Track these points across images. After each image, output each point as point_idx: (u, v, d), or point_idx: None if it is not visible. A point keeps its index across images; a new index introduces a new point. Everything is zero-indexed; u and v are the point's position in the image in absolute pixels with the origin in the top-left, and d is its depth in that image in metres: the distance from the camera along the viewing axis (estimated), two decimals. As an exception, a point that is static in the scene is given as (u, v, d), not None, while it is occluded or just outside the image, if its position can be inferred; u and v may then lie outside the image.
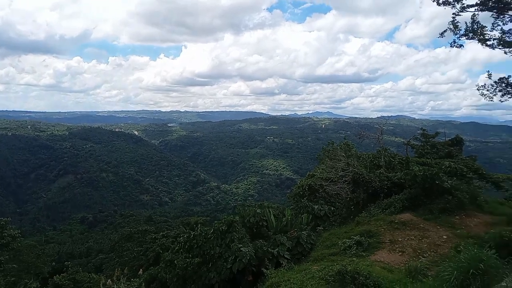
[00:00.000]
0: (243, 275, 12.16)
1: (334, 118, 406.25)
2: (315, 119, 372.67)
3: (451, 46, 14.61)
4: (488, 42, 13.34)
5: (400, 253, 10.91)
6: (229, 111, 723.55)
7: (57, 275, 24.57)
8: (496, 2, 12.38)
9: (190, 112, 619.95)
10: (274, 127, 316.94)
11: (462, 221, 13.13)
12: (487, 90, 14.33)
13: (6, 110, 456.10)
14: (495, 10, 12.72)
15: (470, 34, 13.44)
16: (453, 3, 13.05)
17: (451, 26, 13.60)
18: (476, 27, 13.25)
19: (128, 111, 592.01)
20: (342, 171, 17.75)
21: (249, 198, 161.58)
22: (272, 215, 15.29)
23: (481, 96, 14.65)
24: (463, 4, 12.91)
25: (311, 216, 16.52)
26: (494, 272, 5.59)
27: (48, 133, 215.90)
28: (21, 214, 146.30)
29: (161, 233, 33.17)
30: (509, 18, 12.77)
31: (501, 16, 12.84)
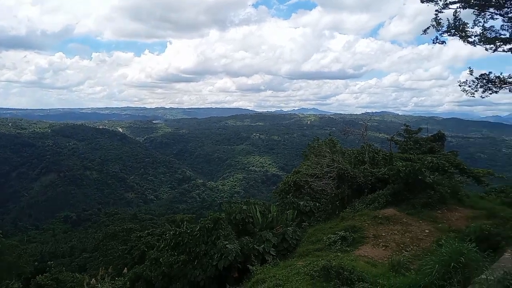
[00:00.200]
0: (229, 272, 12.15)
1: (319, 115, 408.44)
2: (300, 115, 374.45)
3: (433, 43, 14.78)
4: (470, 39, 13.53)
5: (383, 248, 11.05)
6: (215, 107, 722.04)
7: (40, 275, 24.14)
8: (477, 0, 12.57)
9: (175, 108, 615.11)
10: (260, 123, 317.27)
11: (444, 215, 13.38)
12: (469, 86, 14.54)
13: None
14: (476, 7, 12.91)
15: (452, 31, 13.61)
16: (436, 0, 13.21)
17: (434, 23, 13.76)
18: (458, 23, 13.42)
19: (112, 107, 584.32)
20: (327, 167, 17.85)
21: (235, 195, 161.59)
22: (258, 211, 15.31)
23: (463, 92, 14.87)
24: (446, 1, 13.06)
25: (296, 212, 16.61)
26: (475, 265, 5.70)
27: (30, 130, 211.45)
28: (2, 213, 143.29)
29: (146, 231, 32.94)
30: (490, 16, 12.98)
31: (483, 13, 13.03)
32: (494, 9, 12.80)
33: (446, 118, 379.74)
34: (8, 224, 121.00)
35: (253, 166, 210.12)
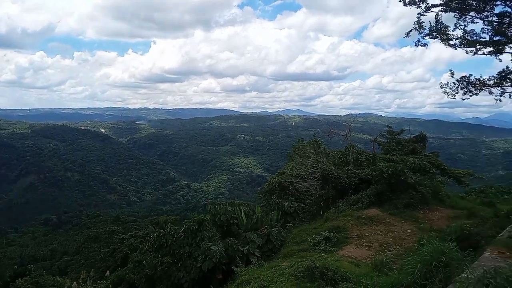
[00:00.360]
0: (213, 274, 12.07)
1: (304, 116, 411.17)
2: (285, 116, 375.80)
3: (415, 45, 15.02)
4: (451, 42, 13.81)
5: (367, 248, 11.15)
6: (200, 108, 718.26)
7: (19, 278, 23.58)
8: (459, 3, 12.82)
9: (159, 109, 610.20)
10: (245, 124, 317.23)
11: (426, 215, 13.59)
12: (450, 88, 14.83)
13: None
14: (457, 11, 13.17)
15: (434, 34, 13.87)
16: (418, 3, 13.41)
17: (417, 26, 13.98)
18: (439, 26, 13.67)
19: (94, 108, 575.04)
20: (312, 168, 17.93)
21: (220, 196, 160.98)
22: (242, 212, 15.26)
23: (444, 94, 15.14)
24: (428, 4, 13.29)
25: (281, 213, 16.63)
26: (456, 264, 5.79)
27: (9, 131, 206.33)
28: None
29: (129, 233, 32.51)
30: (471, 19, 13.27)
31: (463, 17, 13.32)
32: (475, 13, 13.09)
33: (428, 120, 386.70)
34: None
35: (238, 167, 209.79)
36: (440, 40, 14.04)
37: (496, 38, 13.26)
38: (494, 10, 12.93)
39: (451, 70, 15.01)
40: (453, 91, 14.77)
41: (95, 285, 18.42)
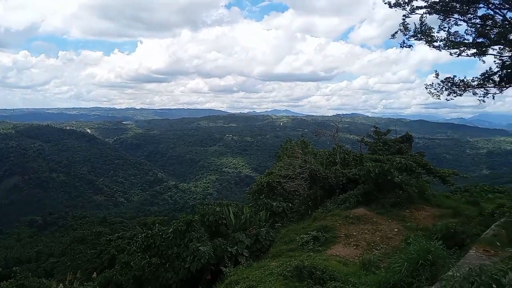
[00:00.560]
0: (202, 274, 12.04)
1: (292, 116, 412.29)
2: (273, 117, 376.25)
3: (401, 46, 15.21)
4: (435, 44, 14.03)
5: (354, 247, 11.25)
6: (187, 108, 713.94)
7: (4, 281, 23.10)
8: (443, 6, 13.02)
9: (146, 109, 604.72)
10: (233, 124, 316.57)
11: (412, 214, 13.78)
12: (435, 89, 15.05)
13: None
14: (442, 13, 13.39)
15: (419, 35, 14.06)
16: (403, 5, 13.58)
17: (402, 27, 14.17)
18: (424, 28, 13.88)
19: (80, 108, 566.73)
20: (300, 168, 18.02)
21: (208, 197, 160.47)
22: (231, 213, 15.25)
23: (429, 95, 15.35)
24: (413, 6, 13.48)
25: (269, 213, 16.66)
26: (442, 262, 5.88)
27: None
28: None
29: (116, 234, 32.19)
30: (454, 21, 13.50)
31: (447, 19, 13.55)
32: (458, 15, 13.32)
33: (413, 120, 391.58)
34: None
35: (226, 168, 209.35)
36: (424, 42, 14.25)
37: (479, 40, 13.52)
38: (477, 12, 13.18)
39: (436, 71, 15.30)
40: (437, 91, 15.00)
41: (81, 287, 18.20)
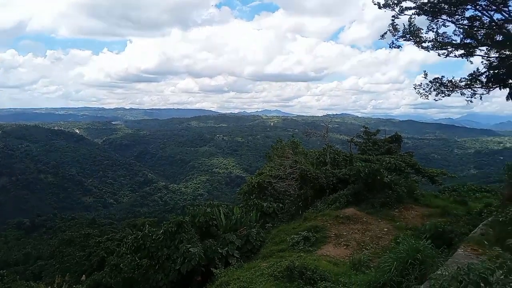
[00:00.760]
0: (192, 276, 11.98)
1: (282, 116, 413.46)
2: (264, 117, 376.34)
3: (390, 47, 15.36)
4: (424, 44, 14.17)
5: (345, 247, 11.30)
6: (177, 108, 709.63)
7: (-10, 285, 22.71)
8: (431, 7, 13.17)
9: (136, 109, 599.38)
10: (223, 125, 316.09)
11: (401, 214, 13.90)
12: (423, 89, 15.21)
13: None
14: (430, 14, 13.54)
15: (408, 36, 14.21)
16: (392, 6, 13.70)
17: (391, 28, 14.30)
18: (413, 29, 14.03)
19: (68, 108, 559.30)
20: (290, 168, 18.05)
21: (199, 197, 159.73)
22: (221, 213, 15.20)
23: (418, 95, 15.51)
24: (402, 7, 13.60)
25: (260, 213, 16.65)
26: (430, 261, 5.94)
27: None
28: None
29: (106, 236, 31.93)
30: (442, 22, 13.67)
31: (436, 20, 13.70)
32: (447, 16, 13.48)
33: (403, 120, 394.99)
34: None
35: (216, 168, 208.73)
36: (413, 43, 14.39)
37: (467, 41, 13.69)
38: (465, 13, 13.36)
39: (424, 71, 15.43)
40: (426, 92, 15.16)
41: (70, 290, 17.97)
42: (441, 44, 13.84)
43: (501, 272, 4.04)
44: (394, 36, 14.51)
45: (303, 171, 17.13)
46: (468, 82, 14.40)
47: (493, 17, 12.86)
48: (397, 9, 13.73)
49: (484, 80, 14.05)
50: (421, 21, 14.17)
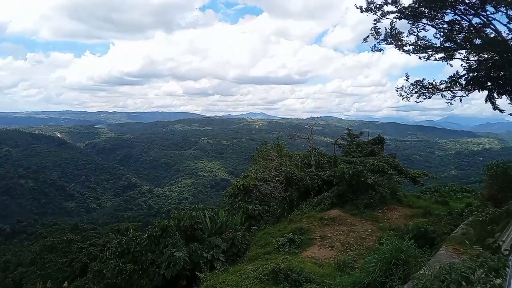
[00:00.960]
0: (177, 280, 11.86)
1: (267, 119, 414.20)
2: (249, 120, 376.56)
3: (372, 50, 15.60)
4: (405, 48, 14.44)
5: (330, 248, 11.37)
6: (162, 111, 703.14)
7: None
8: (412, 11, 13.43)
9: (119, 112, 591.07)
10: (208, 128, 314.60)
11: (385, 215, 14.07)
12: (405, 92, 15.49)
13: None
14: (411, 18, 13.80)
15: (389, 39, 14.46)
16: (374, 10, 13.91)
17: (373, 32, 14.52)
18: (394, 33, 14.28)
19: (49, 111, 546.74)
20: (275, 171, 18.08)
21: (184, 201, 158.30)
22: (207, 217, 15.11)
23: (400, 97, 15.79)
24: (383, 11, 13.83)
25: (245, 216, 16.62)
26: (413, 261, 6.02)
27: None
28: None
29: (89, 241, 31.28)
30: (423, 26, 13.95)
31: (416, 24, 13.98)
32: (427, 20, 13.75)
33: (385, 123, 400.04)
34: None
35: (201, 171, 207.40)
36: (394, 46, 14.64)
37: (447, 45, 13.99)
38: (444, 18, 13.67)
39: (406, 74, 15.71)
40: (407, 94, 15.43)
41: (51, 297, 17.62)
42: (421, 47, 14.11)
43: (482, 271, 4.12)
44: (376, 39, 14.75)
45: (288, 174, 17.18)
46: (448, 85, 14.72)
47: (472, 21, 13.18)
48: (379, 13, 13.95)
49: (464, 82, 14.38)
50: (403, 25, 14.47)
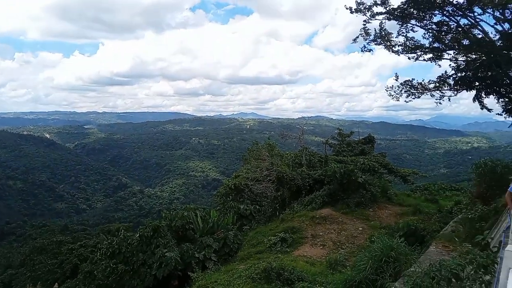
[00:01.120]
0: (169, 281, 11.82)
1: (258, 119, 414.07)
2: (240, 120, 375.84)
3: (362, 51, 15.75)
4: (394, 48, 14.60)
5: (321, 247, 11.44)
6: (152, 112, 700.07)
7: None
8: (401, 12, 13.58)
9: (109, 113, 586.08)
10: (199, 128, 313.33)
11: (375, 213, 14.20)
12: (394, 92, 15.67)
13: None
14: (400, 19, 13.96)
15: (379, 40, 14.61)
16: (364, 11, 14.05)
17: (363, 33, 14.65)
18: (383, 33, 14.43)
19: (38, 112, 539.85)
20: (267, 171, 18.12)
21: (175, 201, 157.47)
22: (198, 217, 15.09)
23: (390, 97, 15.97)
24: (373, 12, 13.97)
25: (237, 215, 16.63)
26: (404, 259, 6.09)
27: None
28: None
29: (79, 243, 31.05)
30: (412, 27, 14.13)
31: (405, 25, 14.14)
32: (416, 21, 13.92)
33: (375, 122, 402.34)
34: None
35: (193, 171, 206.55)
36: (384, 47, 14.80)
37: (436, 45, 14.18)
38: (433, 19, 13.85)
39: (396, 74, 15.90)
40: (397, 94, 15.61)
41: (41, 299, 17.43)
42: (410, 48, 14.28)
43: (471, 267, 4.19)
44: (366, 40, 14.89)
45: (279, 173, 17.23)
46: (437, 85, 14.92)
47: (460, 22, 13.37)
48: (368, 14, 14.09)
49: (452, 82, 14.59)
50: (392, 25, 14.63)
